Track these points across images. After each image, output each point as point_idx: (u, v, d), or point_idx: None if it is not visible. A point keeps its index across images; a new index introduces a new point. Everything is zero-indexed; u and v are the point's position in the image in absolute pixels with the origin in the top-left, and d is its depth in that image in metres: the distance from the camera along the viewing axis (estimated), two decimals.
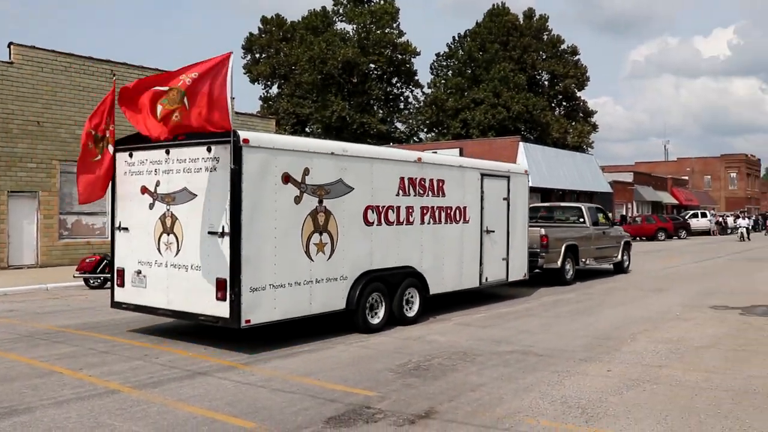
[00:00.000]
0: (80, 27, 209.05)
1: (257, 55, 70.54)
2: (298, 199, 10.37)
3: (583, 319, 13.22)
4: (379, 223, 11.99)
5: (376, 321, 11.78)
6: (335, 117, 63.72)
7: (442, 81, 74.04)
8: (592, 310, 14.50)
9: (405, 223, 12.60)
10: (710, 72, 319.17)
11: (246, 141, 9.55)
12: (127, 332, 11.63)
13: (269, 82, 70.48)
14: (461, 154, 37.62)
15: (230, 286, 9.56)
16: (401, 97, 74.58)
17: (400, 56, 69.92)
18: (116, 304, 11.55)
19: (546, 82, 76.93)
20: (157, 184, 10.75)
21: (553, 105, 76.03)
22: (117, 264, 11.51)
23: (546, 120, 69.17)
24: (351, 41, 67.36)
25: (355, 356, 9.81)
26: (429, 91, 74.00)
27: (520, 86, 69.00)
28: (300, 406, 7.28)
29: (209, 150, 9.87)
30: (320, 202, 10.76)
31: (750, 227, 48.58)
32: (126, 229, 11.32)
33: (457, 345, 10.60)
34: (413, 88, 74.39)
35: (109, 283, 17.71)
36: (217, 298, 9.72)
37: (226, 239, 9.61)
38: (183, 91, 9.39)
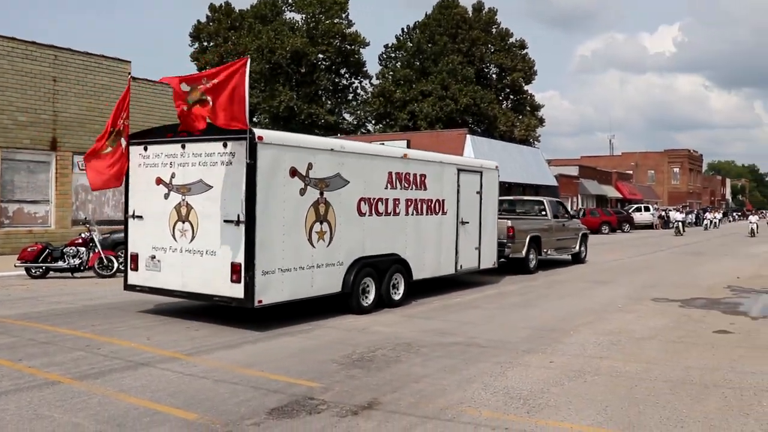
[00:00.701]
0: (23, 11, 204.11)
1: (205, 44, 69.71)
2: (302, 191, 11.42)
3: (527, 311, 13.38)
4: (370, 214, 13.10)
5: (367, 303, 12.87)
6: (283, 107, 63.35)
7: (391, 72, 74.07)
8: (536, 302, 14.69)
9: (392, 214, 13.73)
10: (655, 68, 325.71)
11: (260, 138, 10.52)
12: (70, 323, 11.42)
13: None
14: (408, 145, 37.69)
15: (245, 270, 10.54)
16: (350, 88, 74.57)
17: (348, 47, 69.84)
18: (130, 287, 12.41)
19: (494, 76, 77.52)
20: (173, 176, 11.65)
21: (500, 98, 76.63)
22: (131, 249, 12.38)
23: (493, 113, 69.71)
24: (300, 31, 67.02)
25: (300, 347, 9.78)
26: (377, 82, 74.02)
27: (468, 79, 69.41)
28: (243, 397, 7.24)
29: (225, 145, 10.83)
30: (321, 194, 11.83)
31: (685, 221, 49.27)
32: (140, 217, 12.21)
33: (401, 336, 10.64)
34: (362, 79, 74.47)
35: (52, 272, 17.68)
36: (232, 281, 10.69)
37: (242, 227, 10.58)
38: (203, 93, 10.21)
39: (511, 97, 78.57)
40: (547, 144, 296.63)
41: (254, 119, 66.78)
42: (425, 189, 14.76)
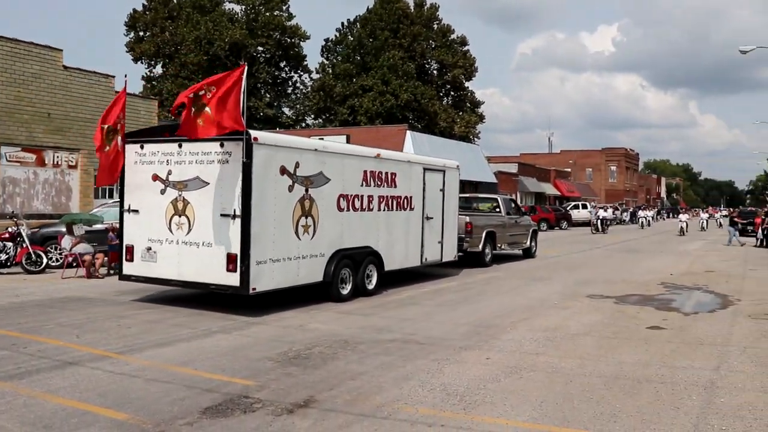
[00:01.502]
0: None
1: (141, 33, 68.27)
2: (291, 188, 12.50)
3: (465, 308, 13.49)
4: (348, 209, 14.26)
5: (345, 291, 13.95)
6: None
7: (331, 67, 73.88)
8: (474, 298, 14.81)
9: (367, 209, 14.93)
10: (595, 67, 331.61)
11: (255, 139, 11.57)
12: None
13: (153, 62, 68.35)
14: (348, 141, 37.65)
15: (240, 260, 11.57)
16: (289, 82, 74.10)
17: (289, 40, 69.41)
18: (125, 277, 13.28)
19: (435, 72, 77.86)
20: (169, 173, 12.60)
21: (441, 94, 77.02)
22: (126, 242, 13.25)
23: (434, 109, 70.04)
24: (239, 22, 66.36)
25: (234, 345, 9.70)
26: (317, 76, 73.74)
27: (409, 74, 69.61)
28: (176, 396, 7.15)
29: (222, 145, 11.86)
30: (306, 190, 12.91)
31: (607, 219, 49.63)
32: (136, 211, 13.10)
33: (338, 333, 10.62)
34: (301, 73, 74.11)
35: None
36: (228, 270, 11.69)
37: (238, 221, 11.61)
38: (205, 104, 11.18)
39: (452, 93, 79.04)
40: (487, 141, 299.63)
41: None
42: (395, 186, 16.00)
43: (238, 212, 11.61)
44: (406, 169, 16.54)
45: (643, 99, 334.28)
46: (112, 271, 17.22)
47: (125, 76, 13.97)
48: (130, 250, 13.13)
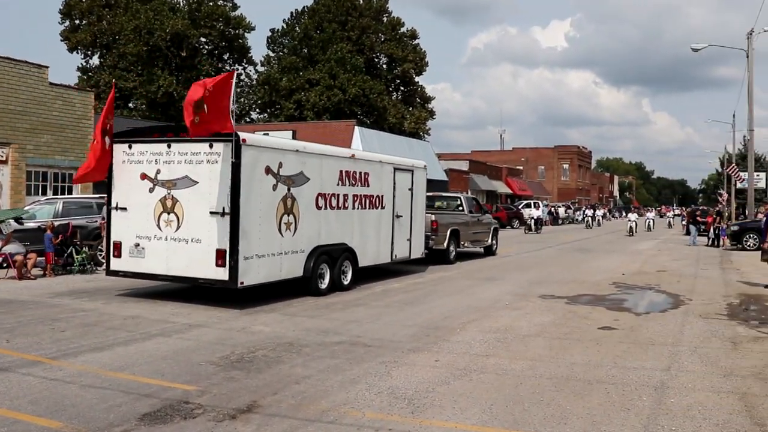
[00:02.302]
0: None
1: (77, 22, 67.04)
2: (275, 187, 13.50)
3: (414, 309, 13.56)
4: (326, 208, 15.33)
5: (323, 286, 15.02)
6: (161, 92, 61.85)
7: (277, 60, 73.54)
8: (422, 299, 14.89)
9: (342, 207, 16.01)
10: (547, 63, 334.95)
11: (244, 140, 12.59)
12: None
13: (89, 52, 67.24)
14: (294, 136, 37.33)
15: (230, 255, 12.49)
16: None
17: (232, 31, 68.92)
18: (112, 273, 14.11)
19: (384, 66, 78.07)
20: (158, 172, 13.44)
21: (390, 89, 77.25)
22: (113, 238, 14.04)
23: (383, 104, 70.16)
24: (181, 12, 65.64)
25: (174, 348, 9.61)
26: (262, 69, 73.36)
27: (358, 68, 69.61)
28: (112, 403, 7.06)
29: (211, 146, 12.79)
30: (288, 189, 13.93)
31: (542, 218, 50.00)
32: (124, 209, 13.90)
33: (283, 336, 10.60)
34: (246, 66, 73.55)
35: None
36: (217, 265, 12.58)
37: (227, 218, 12.54)
38: (203, 101, 11.84)
39: (402, 88, 79.33)
40: (438, 137, 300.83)
41: (129, 105, 65.07)
42: (368, 186, 17.15)
43: (227, 210, 12.52)
44: (378, 169, 17.73)
45: (596, 96, 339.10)
46: (47, 273, 16.98)
47: (113, 81, 15.16)
48: (118, 246, 13.90)
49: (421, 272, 20.08)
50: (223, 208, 12.55)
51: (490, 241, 26.77)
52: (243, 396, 7.43)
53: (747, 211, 40.02)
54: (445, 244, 22.64)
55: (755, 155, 47.10)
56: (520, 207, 61.21)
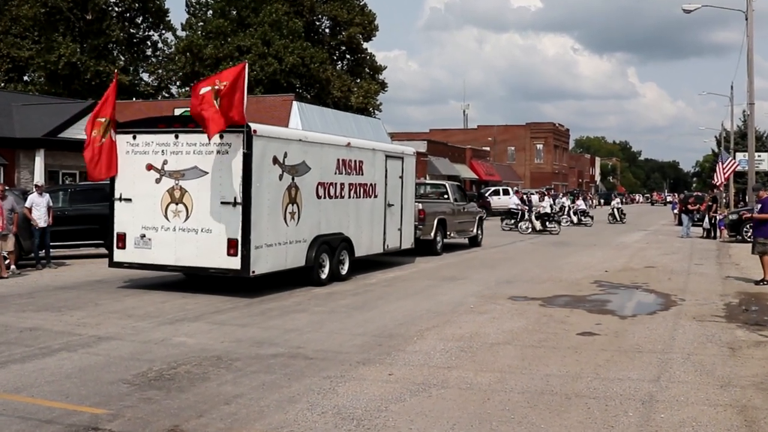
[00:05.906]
0: None
1: None
2: (281, 177, 15.62)
3: (361, 316, 13.57)
4: (325, 197, 17.43)
5: (323, 276, 17.12)
6: (63, 63, 60.71)
7: (200, 24, 72.88)
8: (374, 303, 14.91)
9: (339, 197, 18.06)
10: (518, 26, 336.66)
11: (255, 131, 14.61)
12: None
13: None
14: None
15: (242, 245, 14.47)
16: (148, 42, 72.67)
17: None
18: (116, 264, 15.97)
19: (326, 30, 77.84)
20: (165, 162, 15.24)
21: (334, 58, 76.97)
22: (117, 229, 15.77)
23: (326, 76, 69.82)
24: None
25: (81, 365, 9.52)
26: (183, 34, 72.60)
27: (296, 33, 69.11)
28: (6, 431, 6.96)
29: (222, 137, 14.54)
30: (292, 179, 16.02)
31: (555, 211, 50.59)
32: (128, 200, 15.63)
33: (209, 348, 10.56)
34: (164, 31, 72.74)
35: None
36: (229, 254, 14.54)
37: (239, 208, 14.53)
38: (218, 96, 13.92)
39: (348, 56, 79.13)
40: (391, 114, 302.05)
41: (25, 78, 63.96)
42: (363, 174, 19.22)
43: (238, 200, 14.51)
44: (371, 157, 19.83)
45: (574, 65, 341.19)
46: None
47: (116, 71, 16.89)
48: (122, 237, 15.68)
49: (405, 264, 22.00)
50: (235, 198, 14.51)
51: (475, 231, 29.09)
52: (162, 419, 7.38)
53: (747, 198, 40.58)
54: (432, 234, 24.55)
55: (756, 133, 47.75)
56: (487, 195, 61.11)
